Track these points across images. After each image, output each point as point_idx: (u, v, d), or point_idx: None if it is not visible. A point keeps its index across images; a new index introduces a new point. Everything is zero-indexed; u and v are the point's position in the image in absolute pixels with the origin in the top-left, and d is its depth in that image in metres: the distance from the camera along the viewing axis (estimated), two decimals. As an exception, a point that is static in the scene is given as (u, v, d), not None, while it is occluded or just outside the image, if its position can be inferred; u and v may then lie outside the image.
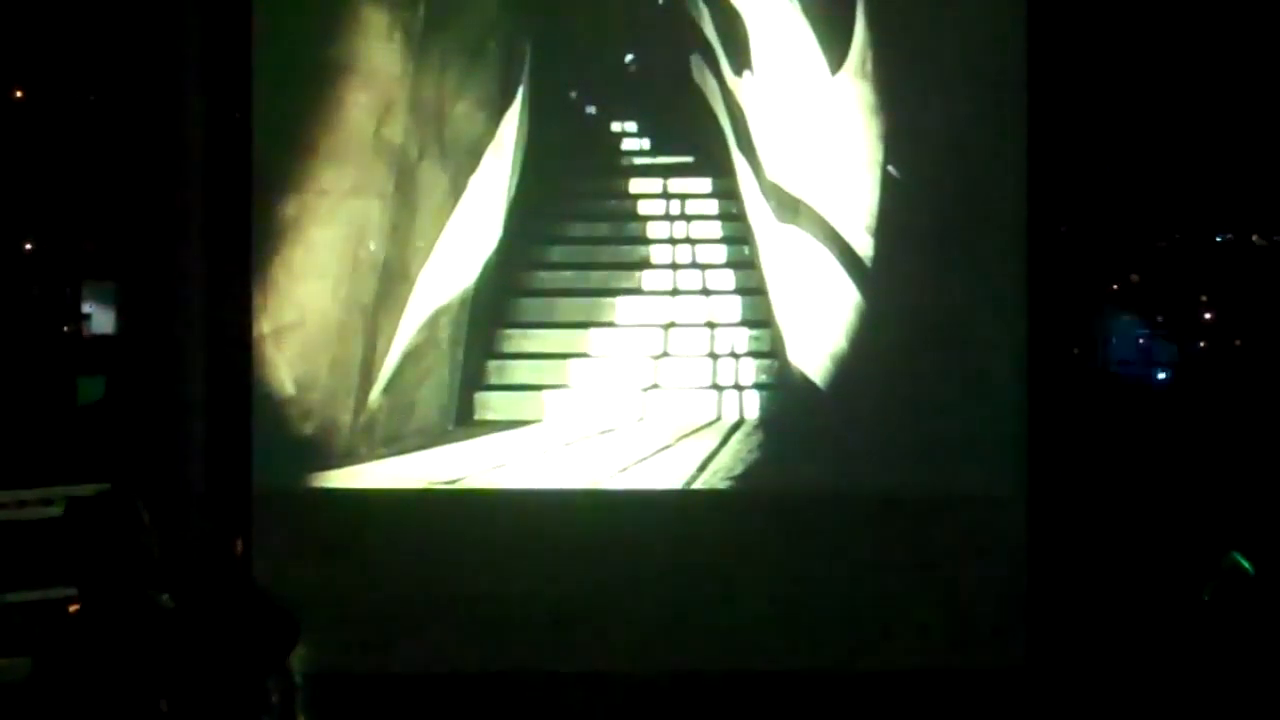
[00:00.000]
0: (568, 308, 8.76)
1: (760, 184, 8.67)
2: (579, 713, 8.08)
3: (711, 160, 8.82)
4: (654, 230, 8.86)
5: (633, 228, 8.88)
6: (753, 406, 8.64)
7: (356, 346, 8.47)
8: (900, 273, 8.47)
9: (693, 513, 8.45)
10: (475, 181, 8.59)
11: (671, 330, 8.71)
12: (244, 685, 4.35)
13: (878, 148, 8.51)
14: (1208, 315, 10.83)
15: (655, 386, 8.65)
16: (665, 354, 8.68)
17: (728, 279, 8.81)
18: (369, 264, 8.48)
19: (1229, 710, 5.50)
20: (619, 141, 8.99)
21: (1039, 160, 8.40)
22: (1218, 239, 10.64)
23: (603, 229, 8.91)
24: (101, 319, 10.49)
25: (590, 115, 8.92)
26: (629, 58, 8.89)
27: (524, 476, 8.53)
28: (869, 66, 8.51)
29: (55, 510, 4.35)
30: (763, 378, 8.65)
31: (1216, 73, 9.24)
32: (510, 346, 8.74)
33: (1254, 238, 10.64)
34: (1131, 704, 6.78)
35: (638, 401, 8.63)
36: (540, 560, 8.29)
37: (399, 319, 8.50)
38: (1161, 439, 8.82)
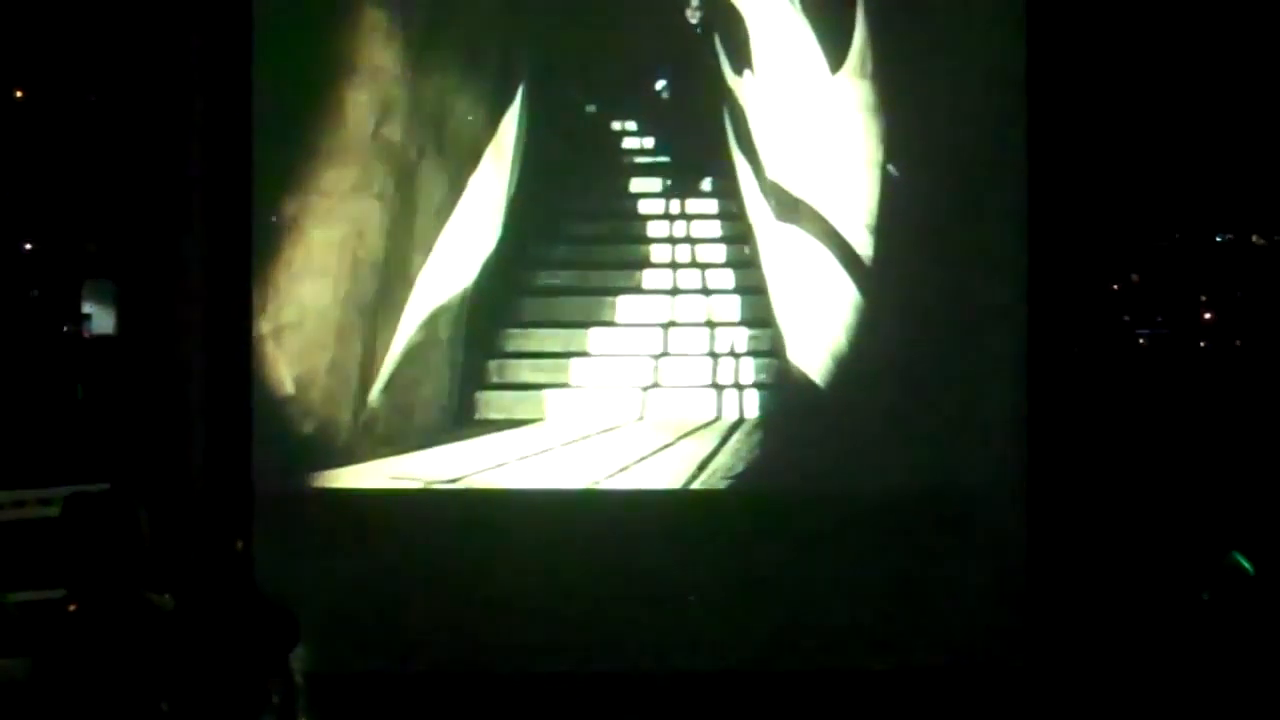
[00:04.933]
0: (568, 307, 8.76)
1: (760, 183, 8.67)
2: (579, 712, 8.08)
3: (711, 159, 8.82)
4: (654, 229, 8.86)
5: (633, 227, 8.88)
6: (753, 406, 8.64)
7: (356, 346, 8.47)
8: (900, 272, 8.47)
9: (693, 512, 8.46)
10: (475, 181, 8.59)
11: (671, 329, 8.71)
12: (245, 685, 4.36)
13: (877, 147, 8.51)
14: (1208, 315, 10.82)
15: (655, 386, 8.65)
16: (665, 353, 8.68)
17: (728, 278, 8.81)
18: (369, 264, 8.48)
19: (1229, 710, 5.50)
20: (619, 140, 8.99)
21: (1039, 160, 8.40)
22: (1218, 239, 10.63)
23: (602, 228, 8.91)
24: (101, 319, 10.47)
25: (590, 114, 8.91)
26: (628, 57, 8.88)
27: (524, 476, 8.53)
28: (869, 66, 8.51)
29: (55, 510, 4.35)
30: (762, 377, 8.65)
31: (1216, 73, 9.23)
32: (510, 346, 8.74)
33: (1254, 238, 10.64)
34: (1131, 704, 6.79)
35: (638, 400, 8.63)
36: (540, 560, 8.29)
37: (399, 318, 8.50)
38: (1161, 438, 8.82)
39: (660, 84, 8.89)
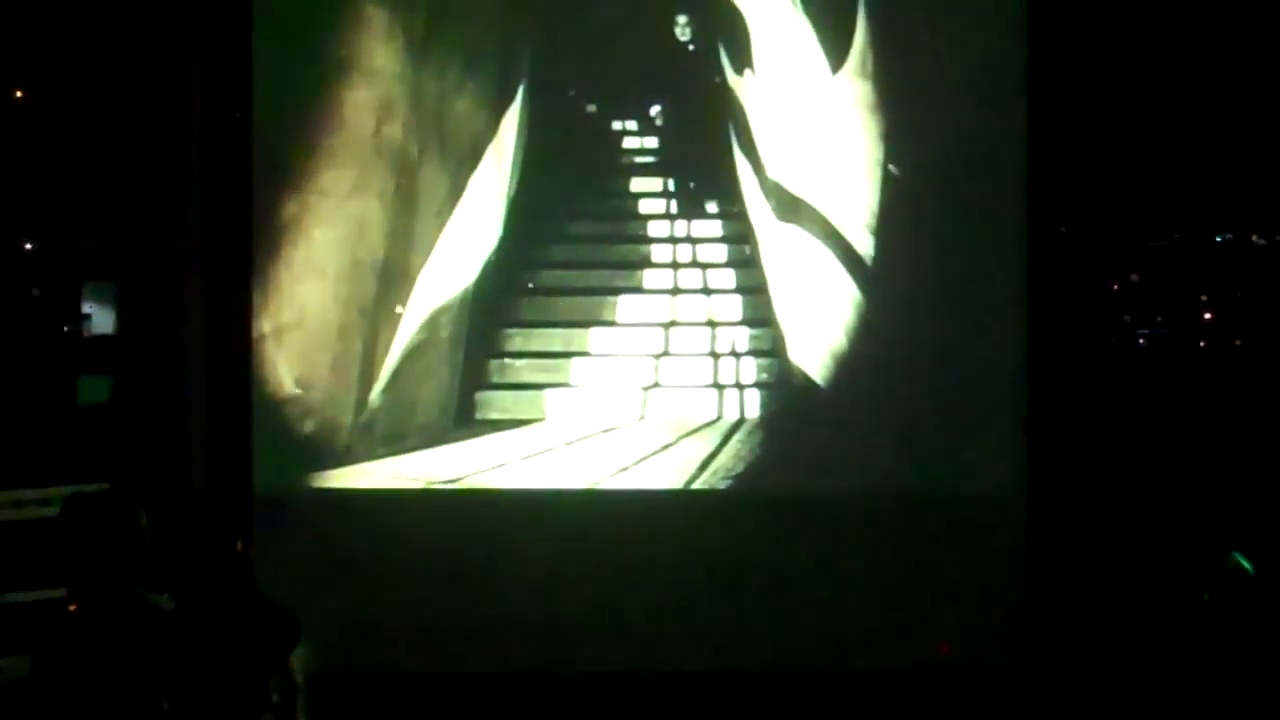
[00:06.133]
0: (568, 306, 8.76)
1: (761, 183, 8.67)
2: (579, 713, 8.08)
3: (712, 159, 8.81)
4: (654, 229, 8.86)
5: (633, 226, 8.88)
6: (753, 405, 8.64)
7: (356, 346, 8.47)
8: (901, 272, 8.47)
9: (693, 512, 8.45)
10: (475, 181, 8.59)
11: (672, 329, 8.71)
12: (245, 685, 4.35)
13: (878, 147, 8.51)
14: (1208, 315, 10.82)
15: (656, 385, 8.65)
16: (666, 353, 8.68)
17: (728, 278, 8.81)
18: (369, 264, 8.48)
19: (1229, 710, 5.50)
20: (619, 140, 8.98)
21: (1039, 160, 8.40)
22: (1218, 239, 10.63)
23: (603, 228, 8.91)
24: (101, 319, 10.47)
25: (590, 114, 8.91)
26: (629, 57, 8.88)
27: (525, 476, 8.54)
28: (869, 66, 8.52)
29: (54, 510, 4.36)
30: (763, 377, 8.65)
31: (1216, 72, 9.23)
32: (511, 345, 8.74)
33: (1254, 238, 10.64)
34: (1131, 704, 6.78)
35: (638, 400, 8.63)
36: (540, 560, 8.29)
37: (399, 318, 8.51)
38: (1161, 438, 8.82)
39: (660, 84, 8.88)
